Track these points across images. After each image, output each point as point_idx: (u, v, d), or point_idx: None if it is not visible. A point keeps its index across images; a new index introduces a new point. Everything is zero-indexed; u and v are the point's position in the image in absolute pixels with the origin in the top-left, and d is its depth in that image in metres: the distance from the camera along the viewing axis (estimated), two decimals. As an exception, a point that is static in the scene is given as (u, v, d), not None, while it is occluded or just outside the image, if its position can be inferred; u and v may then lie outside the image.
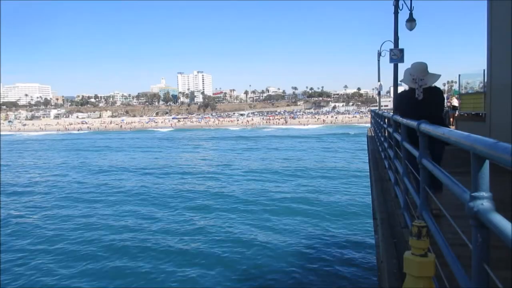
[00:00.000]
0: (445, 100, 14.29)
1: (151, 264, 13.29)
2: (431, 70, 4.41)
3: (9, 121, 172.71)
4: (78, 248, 15.30)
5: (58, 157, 52.08)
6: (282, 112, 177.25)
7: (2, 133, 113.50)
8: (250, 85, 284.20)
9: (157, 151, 56.01)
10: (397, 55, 14.80)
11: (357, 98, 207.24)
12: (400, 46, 14.87)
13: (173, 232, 16.70)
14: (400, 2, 14.00)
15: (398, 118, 4.28)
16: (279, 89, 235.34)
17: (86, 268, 13.19)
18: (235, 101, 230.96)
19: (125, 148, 63.16)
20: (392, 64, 15.14)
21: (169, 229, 17.18)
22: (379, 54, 24.99)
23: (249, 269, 12.59)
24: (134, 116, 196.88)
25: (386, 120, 7.48)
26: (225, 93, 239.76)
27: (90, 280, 12.31)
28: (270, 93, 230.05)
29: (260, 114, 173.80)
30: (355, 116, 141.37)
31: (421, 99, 4.27)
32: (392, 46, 15.27)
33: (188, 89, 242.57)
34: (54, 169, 40.16)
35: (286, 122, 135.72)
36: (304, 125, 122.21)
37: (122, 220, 19.12)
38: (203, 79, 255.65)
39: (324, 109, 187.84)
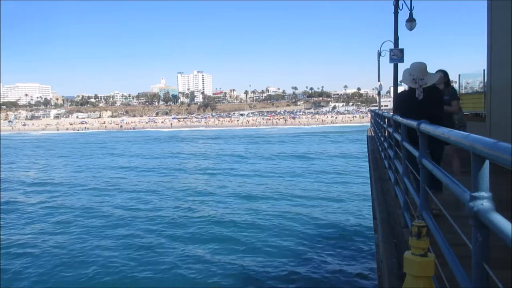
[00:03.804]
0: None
1: (146, 261, 13.28)
2: (431, 70, 4.41)
3: (9, 121, 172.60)
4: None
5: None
6: (282, 112, 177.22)
7: (18, 132, 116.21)
8: (250, 85, 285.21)
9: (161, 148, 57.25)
10: (397, 55, 14.80)
11: (357, 98, 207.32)
12: (400, 46, 14.88)
13: (174, 227, 16.80)
14: (400, 2, 14.02)
15: (398, 118, 4.28)
16: (279, 89, 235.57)
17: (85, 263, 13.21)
18: (235, 101, 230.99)
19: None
20: (392, 64, 15.15)
21: (171, 224, 17.41)
22: (379, 54, 25.02)
23: (247, 268, 12.59)
24: (134, 116, 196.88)
25: (386, 120, 7.47)
26: (225, 93, 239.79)
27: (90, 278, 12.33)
28: (270, 93, 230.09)
29: (260, 114, 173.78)
30: (355, 116, 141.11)
31: (421, 99, 4.27)
32: (392, 46, 15.27)
33: (188, 89, 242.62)
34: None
35: (286, 122, 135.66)
36: (304, 125, 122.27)
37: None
38: (203, 79, 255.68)
39: (324, 109, 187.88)
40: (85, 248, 14.99)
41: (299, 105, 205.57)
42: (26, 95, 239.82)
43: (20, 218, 19.90)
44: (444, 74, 5.56)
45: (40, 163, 44.54)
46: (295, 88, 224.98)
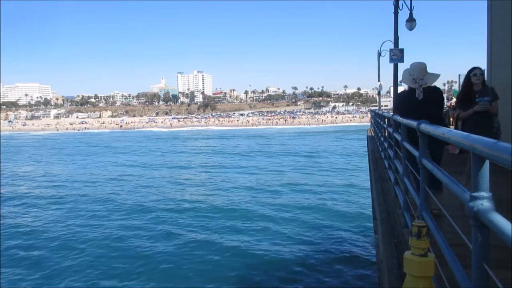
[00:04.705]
0: (445, 100, 14.30)
1: (145, 263, 13.28)
2: (431, 70, 4.41)
3: (9, 121, 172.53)
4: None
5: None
6: (282, 112, 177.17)
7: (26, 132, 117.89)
8: (250, 85, 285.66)
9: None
10: (397, 55, 14.80)
11: (357, 98, 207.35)
12: (400, 46, 14.88)
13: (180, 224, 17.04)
14: (400, 2, 14.02)
15: (398, 118, 4.28)
16: (279, 89, 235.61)
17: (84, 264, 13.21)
18: (235, 101, 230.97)
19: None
20: (392, 64, 15.15)
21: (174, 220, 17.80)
22: (379, 54, 25.02)
23: (247, 268, 12.58)
24: (134, 116, 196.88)
25: (386, 120, 7.47)
26: (225, 93, 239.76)
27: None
28: (270, 93, 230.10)
29: (260, 114, 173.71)
30: (355, 116, 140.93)
31: (421, 99, 4.27)
32: (392, 46, 15.27)
33: (188, 89, 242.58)
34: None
35: (286, 122, 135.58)
36: (304, 125, 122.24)
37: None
38: (203, 79, 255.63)
39: (324, 109, 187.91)
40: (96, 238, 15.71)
41: (299, 105, 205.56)
42: (26, 95, 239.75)
43: (47, 213, 20.57)
44: (482, 72, 5.11)
45: (48, 162, 45.02)
46: (295, 88, 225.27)
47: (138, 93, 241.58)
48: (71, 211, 20.51)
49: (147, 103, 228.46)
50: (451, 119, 15.65)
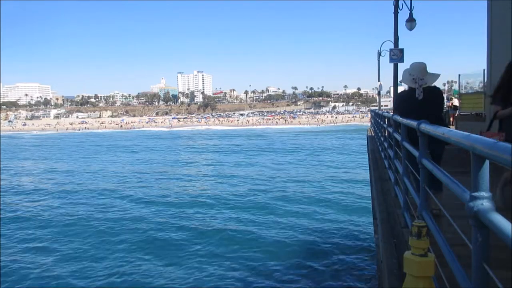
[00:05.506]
0: (445, 100, 14.33)
1: (148, 261, 13.27)
2: (431, 70, 4.41)
3: (9, 121, 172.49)
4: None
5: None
6: (282, 112, 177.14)
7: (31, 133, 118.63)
8: (250, 85, 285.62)
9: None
10: (397, 55, 14.81)
11: (357, 98, 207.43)
12: (400, 46, 14.89)
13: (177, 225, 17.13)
14: (400, 2, 14.03)
15: (398, 118, 4.28)
16: (279, 89, 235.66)
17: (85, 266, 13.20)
18: (235, 101, 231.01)
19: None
20: (392, 64, 15.16)
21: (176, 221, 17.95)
22: (379, 54, 25.02)
23: (247, 268, 12.57)
24: (134, 116, 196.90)
25: (386, 120, 7.47)
26: (225, 93, 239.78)
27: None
28: (270, 93, 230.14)
29: (260, 114, 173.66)
30: (355, 116, 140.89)
31: (421, 99, 4.27)
32: (392, 46, 15.28)
33: (188, 89, 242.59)
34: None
35: (286, 122, 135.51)
36: (304, 124, 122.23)
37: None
38: (203, 79, 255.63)
39: (324, 109, 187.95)
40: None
41: (299, 105, 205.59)
42: (26, 95, 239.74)
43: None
44: None
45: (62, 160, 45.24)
46: (295, 88, 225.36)
47: (138, 93, 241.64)
48: (83, 206, 21.29)
49: (147, 103, 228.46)
50: (451, 119, 15.71)
